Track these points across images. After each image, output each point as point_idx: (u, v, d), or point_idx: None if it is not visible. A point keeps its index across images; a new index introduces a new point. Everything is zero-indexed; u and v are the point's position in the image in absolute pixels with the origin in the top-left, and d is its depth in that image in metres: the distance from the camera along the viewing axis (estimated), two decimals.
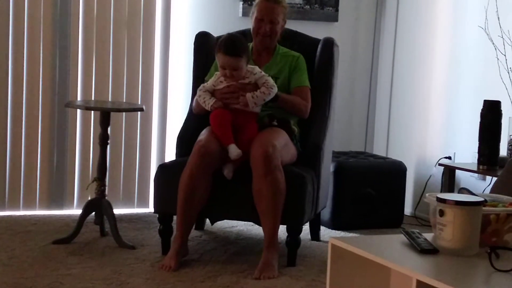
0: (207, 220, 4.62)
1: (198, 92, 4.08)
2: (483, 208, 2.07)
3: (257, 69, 4.04)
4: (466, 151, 4.86)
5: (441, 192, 4.62)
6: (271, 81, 4.01)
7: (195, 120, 4.27)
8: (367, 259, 2.03)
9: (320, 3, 5.46)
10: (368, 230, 4.83)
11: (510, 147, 4.43)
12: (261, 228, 3.96)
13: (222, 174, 3.89)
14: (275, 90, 4.01)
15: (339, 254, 2.13)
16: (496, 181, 3.00)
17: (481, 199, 2.06)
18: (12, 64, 4.81)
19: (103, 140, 4.24)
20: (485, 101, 4.41)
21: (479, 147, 4.42)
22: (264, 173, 3.79)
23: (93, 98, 4.98)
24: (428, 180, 5.12)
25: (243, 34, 4.31)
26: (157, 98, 5.16)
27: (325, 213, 4.78)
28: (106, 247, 4.16)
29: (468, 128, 4.81)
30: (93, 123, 4.95)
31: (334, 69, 4.41)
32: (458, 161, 4.93)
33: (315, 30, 5.03)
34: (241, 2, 5.24)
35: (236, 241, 4.45)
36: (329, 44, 4.42)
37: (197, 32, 4.56)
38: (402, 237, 2.15)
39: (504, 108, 4.39)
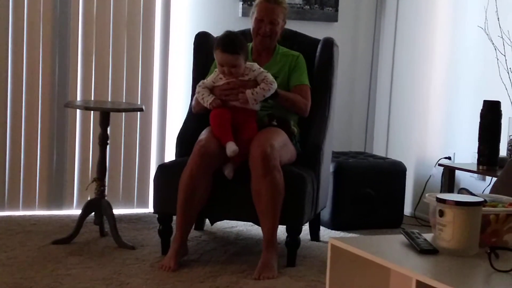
0: (207, 220, 4.62)
1: (197, 89, 4.07)
2: (483, 208, 2.06)
3: (256, 65, 4.04)
4: (466, 151, 4.86)
5: (440, 192, 4.62)
6: (270, 77, 4.01)
7: (195, 120, 4.27)
8: (366, 260, 2.03)
9: (320, 3, 5.46)
10: (367, 230, 4.83)
11: (509, 147, 4.42)
12: (260, 228, 3.96)
13: (222, 174, 3.89)
14: (275, 86, 4.01)
15: (339, 255, 2.13)
16: (495, 181, 3.00)
17: (481, 199, 2.06)
18: (12, 64, 4.81)
19: (103, 140, 4.24)
20: (484, 101, 4.41)
21: (478, 147, 4.42)
22: (263, 173, 3.79)
23: (92, 98, 4.98)
24: (427, 180, 5.12)
25: (243, 34, 4.31)
26: (157, 98, 5.16)
27: (325, 213, 4.78)
28: (106, 247, 4.16)
29: (468, 128, 4.81)
30: (93, 123, 4.94)
31: (334, 69, 4.41)
32: (457, 161, 4.93)
33: (315, 30, 5.04)
34: (241, 2, 5.24)
35: (235, 242, 4.45)
36: (328, 44, 4.42)
37: (196, 32, 4.56)
38: (401, 238, 2.15)
39: (503, 108, 4.39)
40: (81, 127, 4.98)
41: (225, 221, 4.65)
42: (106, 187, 4.31)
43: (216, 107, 3.98)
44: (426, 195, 2.20)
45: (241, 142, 3.89)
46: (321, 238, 4.56)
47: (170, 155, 4.98)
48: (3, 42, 4.77)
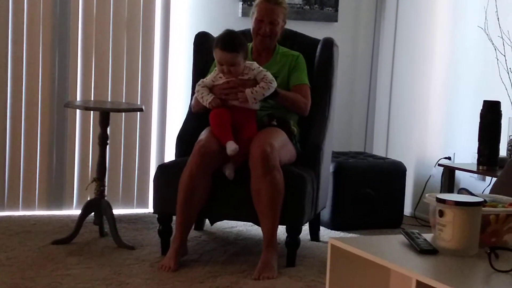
0: (207, 221, 4.62)
1: (196, 87, 4.07)
2: (483, 208, 2.06)
3: (255, 64, 4.04)
4: (466, 151, 4.86)
5: (440, 192, 4.62)
6: (270, 75, 4.01)
7: (195, 120, 4.27)
8: (366, 260, 2.03)
9: (320, 4, 5.46)
10: (367, 230, 4.83)
11: (509, 147, 4.42)
12: (260, 228, 3.95)
13: (222, 174, 3.88)
14: (274, 84, 4.00)
15: (339, 255, 2.13)
16: (495, 181, 3.00)
17: (481, 199, 2.06)
18: (12, 64, 4.81)
19: (103, 140, 4.24)
20: (484, 101, 4.41)
21: (478, 148, 4.42)
22: (263, 173, 3.79)
23: (92, 98, 4.98)
24: (427, 180, 5.12)
25: (243, 34, 4.31)
26: (157, 98, 5.16)
27: (325, 214, 4.78)
28: (106, 248, 4.16)
29: (468, 129, 4.81)
30: (93, 123, 4.94)
31: (334, 69, 4.41)
32: (457, 161, 4.93)
33: (314, 30, 5.04)
34: (241, 2, 5.24)
35: (235, 242, 4.45)
36: (328, 44, 4.42)
37: (196, 32, 4.56)
38: (401, 238, 2.15)
39: (503, 108, 4.39)
40: (81, 127, 4.98)
41: (225, 221, 4.65)
42: (106, 187, 4.31)
43: (215, 106, 3.98)
44: (426, 195, 2.20)
45: (241, 142, 3.89)
46: (321, 238, 4.56)
47: (170, 155, 4.98)
48: (3, 42, 4.77)
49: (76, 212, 4.69)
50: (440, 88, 5.18)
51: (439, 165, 4.82)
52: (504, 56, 4.50)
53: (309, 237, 4.54)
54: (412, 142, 5.40)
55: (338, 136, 5.33)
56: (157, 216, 4.13)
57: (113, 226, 4.20)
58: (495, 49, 4.53)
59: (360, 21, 5.66)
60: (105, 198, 4.27)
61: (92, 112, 4.89)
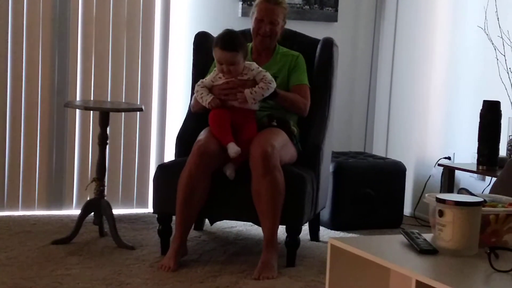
0: (206, 221, 4.62)
1: (196, 88, 4.07)
2: (483, 208, 2.06)
3: (254, 65, 4.03)
4: (466, 151, 4.86)
5: (440, 192, 4.62)
6: (269, 76, 4.01)
7: (195, 120, 4.26)
8: (366, 260, 2.03)
9: (320, 3, 5.46)
10: (367, 230, 4.83)
11: (509, 147, 4.42)
12: (260, 228, 3.96)
13: (221, 174, 3.88)
14: (274, 85, 4.00)
15: (339, 255, 2.13)
16: (495, 181, 3.00)
17: (481, 199, 2.06)
18: (11, 64, 4.81)
19: (102, 140, 4.24)
20: (484, 101, 4.41)
21: (478, 148, 4.42)
22: (263, 173, 3.79)
23: (92, 98, 4.98)
24: (427, 180, 5.12)
25: (243, 34, 4.31)
26: (156, 98, 5.16)
27: (325, 214, 4.78)
28: (105, 248, 4.16)
29: (468, 129, 4.81)
30: (92, 123, 4.94)
31: (334, 69, 4.41)
32: (457, 161, 4.93)
33: (314, 30, 5.03)
34: (241, 2, 5.24)
35: (235, 242, 4.45)
36: (328, 44, 4.42)
37: (196, 32, 4.56)
38: (401, 238, 2.15)
39: (503, 108, 4.39)
40: (81, 127, 4.98)
41: (224, 221, 4.65)
42: (106, 187, 4.31)
43: (215, 107, 3.98)
44: (426, 195, 2.20)
45: (241, 142, 3.89)
46: (321, 238, 4.56)
47: (169, 155, 4.98)
48: (3, 43, 4.77)
49: (75, 212, 4.69)
50: (440, 88, 5.18)
51: (439, 165, 4.82)
52: (504, 56, 4.50)
53: (309, 237, 4.54)
54: (412, 142, 5.40)
55: (338, 136, 5.33)
56: (156, 216, 4.13)
57: (112, 226, 4.20)
58: (495, 49, 4.53)
59: (360, 21, 5.66)
60: (105, 198, 4.27)
61: (91, 112, 4.89)
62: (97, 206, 4.26)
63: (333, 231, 4.79)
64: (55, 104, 4.90)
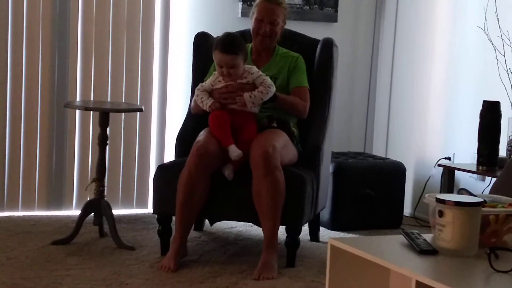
0: (206, 221, 4.62)
1: (196, 92, 4.07)
2: (483, 209, 2.06)
3: (254, 68, 4.03)
4: (466, 151, 4.86)
5: (440, 192, 4.61)
6: (269, 80, 4.01)
7: (194, 120, 4.26)
8: (366, 260, 2.03)
9: (320, 4, 5.46)
10: (367, 230, 4.83)
11: (509, 147, 4.42)
12: (260, 228, 3.96)
13: (221, 175, 3.88)
14: (273, 89, 4.00)
15: (339, 255, 2.13)
16: (495, 181, 3.00)
17: (481, 199, 2.06)
18: (11, 65, 4.81)
19: (102, 140, 4.24)
20: (484, 101, 4.41)
21: (478, 148, 4.42)
22: (264, 174, 3.79)
23: (92, 99, 4.98)
24: (427, 180, 5.12)
25: (242, 35, 4.31)
26: (156, 98, 5.16)
27: (325, 214, 4.78)
28: (105, 248, 4.16)
29: (468, 129, 4.81)
30: (92, 123, 4.94)
31: (334, 70, 4.41)
32: (457, 161, 4.93)
33: (314, 30, 5.03)
34: (241, 3, 5.24)
35: (235, 242, 4.45)
36: (328, 44, 4.42)
37: (196, 33, 4.56)
38: (401, 238, 2.15)
39: (503, 108, 4.39)
40: (81, 127, 4.98)
41: (224, 221, 4.65)
42: (106, 188, 4.30)
43: (215, 110, 3.98)
44: (426, 195, 2.20)
45: (241, 143, 3.89)
46: (321, 239, 4.56)
47: (169, 156, 4.98)
48: (3, 43, 4.77)
49: (75, 212, 4.69)
50: (440, 88, 5.18)
51: (439, 165, 4.82)
52: (504, 56, 4.50)
53: (308, 237, 4.54)
54: (412, 142, 5.40)
55: (338, 137, 5.33)
56: (156, 216, 4.13)
57: (112, 226, 4.20)
58: (495, 50, 4.53)
59: (360, 21, 5.67)
60: (105, 198, 4.27)
61: (91, 112, 4.88)
62: (97, 207, 4.26)
63: (333, 232, 4.79)
64: (55, 104, 4.90)
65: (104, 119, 4.22)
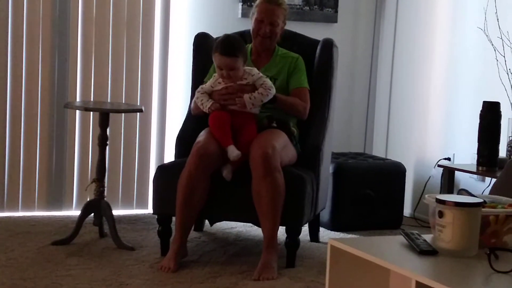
0: (206, 221, 4.62)
1: (196, 94, 4.08)
2: (482, 209, 2.06)
3: (255, 70, 4.03)
4: (466, 152, 4.86)
5: (440, 193, 4.61)
6: (269, 82, 4.01)
7: (194, 121, 4.26)
8: (366, 260, 2.03)
9: (320, 4, 5.46)
10: (367, 231, 4.83)
11: (509, 148, 4.42)
12: (260, 229, 3.96)
13: (221, 175, 3.88)
14: (273, 91, 4.01)
15: (338, 255, 2.13)
16: (495, 182, 3.00)
17: (480, 200, 2.06)
18: (11, 65, 4.81)
19: (102, 141, 4.24)
20: (484, 102, 4.41)
21: (478, 148, 4.42)
22: (264, 174, 3.79)
23: (92, 99, 4.98)
24: (427, 181, 5.12)
25: (242, 35, 4.31)
26: (156, 99, 5.16)
27: (325, 214, 4.78)
28: (105, 248, 4.16)
29: (468, 129, 4.81)
30: (92, 124, 4.94)
31: (334, 70, 4.41)
32: (457, 162, 4.93)
33: (314, 31, 5.03)
34: (241, 3, 5.24)
35: (235, 242, 4.45)
36: (328, 45, 4.42)
37: (196, 33, 4.56)
38: (401, 238, 2.15)
39: (503, 109, 4.39)
40: (81, 128, 4.98)
41: (224, 222, 4.65)
42: (106, 188, 4.30)
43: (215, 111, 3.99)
44: (426, 196, 2.20)
45: (241, 144, 3.89)
46: (321, 239, 4.56)
47: (169, 156, 4.98)
48: (3, 43, 4.77)
49: (75, 212, 4.69)
50: (440, 89, 5.18)
51: (439, 165, 4.82)
52: (504, 57, 4.50)
53: (308, 238, 4.54)
54: (412, 142, 5.40)
55: (338, 137, 5.33)
56: (156, 217, 4.13)
57: (112, 227, 4.20)
58: (495, 50, 4.53)
59: (360, 21, 5.67)
60: (105, 198, 4.27)
61: (91, 112, 4.88)
62: (97, 207, 4.26)
63: (333, 232, 4.79)
64: (55, 105, 4.91)
65: (104, 120, 4.22)
